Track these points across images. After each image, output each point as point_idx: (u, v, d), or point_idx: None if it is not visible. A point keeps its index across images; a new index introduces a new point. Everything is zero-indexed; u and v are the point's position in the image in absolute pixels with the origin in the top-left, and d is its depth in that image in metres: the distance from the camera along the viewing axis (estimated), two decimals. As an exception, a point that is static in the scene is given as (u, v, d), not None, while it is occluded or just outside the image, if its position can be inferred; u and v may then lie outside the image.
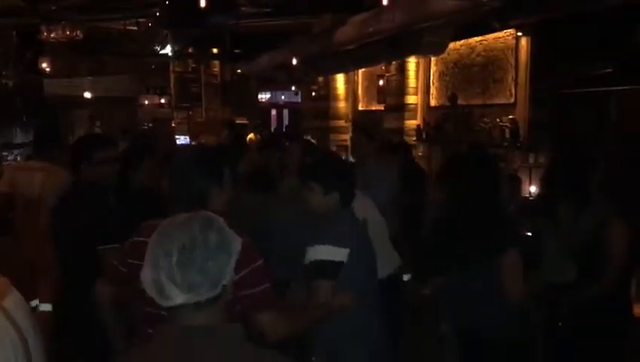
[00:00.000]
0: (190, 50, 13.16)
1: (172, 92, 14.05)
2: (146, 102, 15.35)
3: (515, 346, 2.92)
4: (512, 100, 7.95)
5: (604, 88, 6.69)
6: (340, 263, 2.47)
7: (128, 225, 2.57)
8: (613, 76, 6.49)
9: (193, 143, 11.88)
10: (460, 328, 3.11)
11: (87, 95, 14.58)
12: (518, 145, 7.51)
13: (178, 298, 1.37)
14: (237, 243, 1.46)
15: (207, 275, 1.37)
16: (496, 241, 2.85)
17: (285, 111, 18.19)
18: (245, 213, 3.25)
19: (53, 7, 10.18)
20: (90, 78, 14.66)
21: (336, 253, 2.47)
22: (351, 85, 12.71)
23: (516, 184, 5.62)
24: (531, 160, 7.40)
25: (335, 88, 12.90)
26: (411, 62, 9.81)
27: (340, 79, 12.78)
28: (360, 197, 3.69)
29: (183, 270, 1.36)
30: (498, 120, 7.90)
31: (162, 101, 15.05)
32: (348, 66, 10.91)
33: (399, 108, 9.99)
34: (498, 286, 2.82)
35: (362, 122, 11.11)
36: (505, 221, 3.02)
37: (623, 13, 5.77)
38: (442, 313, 3.48)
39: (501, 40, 8.16)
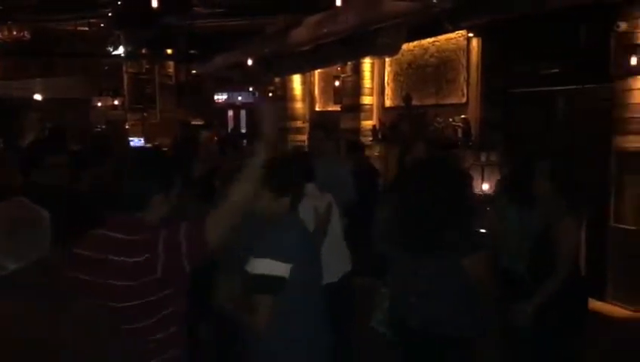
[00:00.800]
0: (144, 51, 12.95)
1: (126, 93, 13.80)
2: (99, 103, 15.06)
3: (466, 343, 2.95)
4: (464, 100, 8.11)
5: (551, 88, 6.90)
6: (282, 279, 2.38)
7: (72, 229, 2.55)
8: (560, 76, 6.69)
9: (148, 145, 11.70)
10: (409, 326, 3.07)
11: (38, 97, 14.21)
12: (470, 144, 7.67)
13: None
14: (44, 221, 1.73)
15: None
16: (459, 243, 2.84)
17: (242, 112, 18.09)
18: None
19: (0, 7, 9.90)
20: (40, 79, 14.29)
21: (278, 268, 2.38)
22: (307, 86, 12.74)
23: (469, 182, 5.74)
24: (483, 158, 7.56)
25: (292, 89, 12.91)
26: (366, 63, 9.89)
27: (296, 80, 12.79)
28: (320, 195, 3.72)
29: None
30: (451, 119, 8.04)
31: (116, 102, 14.78)
32: (303, 67, 10.94)
33: (355, 108, 10.07)
34: (457, 284, 2.84)
35: (321, 120, 11.18)
36: (465, 222, 2.99)
37: (569, 15, 5.95)
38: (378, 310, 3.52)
39: (453, 41, 8.32)
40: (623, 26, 5.79)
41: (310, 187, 3.65)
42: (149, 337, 2.07)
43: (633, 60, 5.68)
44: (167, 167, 2.24)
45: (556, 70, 6.67)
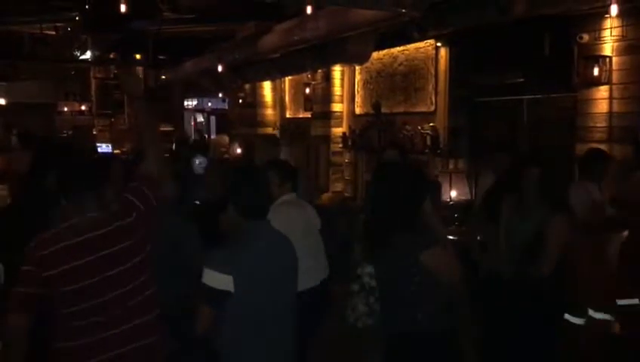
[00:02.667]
0: (112, 56, 12.81)
1: (93, 98, 13.62)
2: (66, 108, 14.80)
3: (440, 339, 2.97)
4: (433, 108, 8.20)
5: (516, 97, 7.02)
6: (223, 292, 2.39)
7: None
8: (524, 85, 6.81)
9: (116, 151, 11.55)
10: (387, 327, 3.08)
11: (2, 101, 13.91)
12: (439, 151, 7.74)
13: None
14: None
15: None
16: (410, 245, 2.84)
17: (212, 118, 17.98)
18: None
19: (-38, 10, 9.68)
20: (4, 83, 13.98)
21: (220, 281, 2.39)
22: (278, 93, 12.73)
23: (437, 189, 5.82)
24: (451, 165, 7.66)
25: (262, 95, 12.89)
26: (337, 70, 9.94)
27: (267, 86, 12.77)
28: (303, 204, 3.77)
29: None
30: (419, 127, 8.11)
31: (83, 108, 14.56)
32: (274, 74, 10.93)
33: (325, 115, 10.11)
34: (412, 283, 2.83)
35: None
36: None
37: (534, 25, 6.07)
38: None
39: (422, 50, 8.41)
40: (585, 37, 5.94)
41: (292, 196, 3.70)
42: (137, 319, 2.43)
43: (595, 71, 5.83)
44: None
45: (521, 79, 6.80)
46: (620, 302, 3.96)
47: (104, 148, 12.20)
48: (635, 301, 3.88)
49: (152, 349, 2.45)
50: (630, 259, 3.86)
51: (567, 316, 3.82)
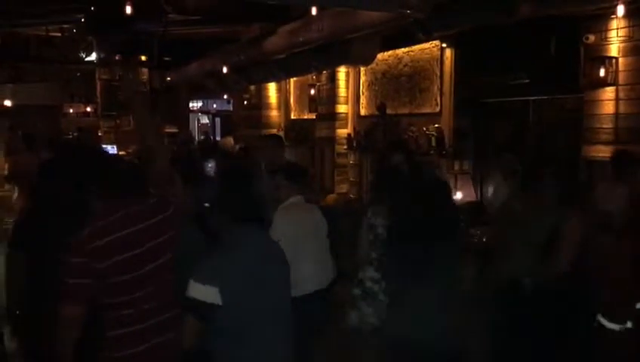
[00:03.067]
0: (117, 57, 12.82)
1: (98, 100, 13.63)
2: (71, 110, 14.84)
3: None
4: (438, 109, 8.17)
5: (522, 98, 6.99)
6: (211, 305, 2.31)
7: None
8: (530, 86, 6.78)
9: (121, 153, 11.55)
10: (403, 338, 3.06)
11: (8, 103, 13.95)
12: (444, 152, 7.72)
13: None
14: None
15: None
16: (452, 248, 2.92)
17: (217, 120, 18.01)
18: None
19: (-31, 12, 9.73)
20: (10, 85, 14.03)
21: (206, 294, 2.32)
22: (283, 94, 12.73)
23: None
24: (456, 167, 7.63)
25: (267, 97, 12.89)
26: (341, 72, 9.93)
27: (271, 88, 12.77)
28: (308, 207, 3.76)
29: None
30: (425, 128, 8.09)
31: (88, 109, 14.58)
32: (279, 75, 10.93)
33: (330, 117, 10.09)
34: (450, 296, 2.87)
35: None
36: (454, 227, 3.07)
37: (540, 26, 6.05)
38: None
39: (427, 51, 8.39)
40: (591, 38, 5.91)
41: (300, 198, 3.69)
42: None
43: (602, 72, 5.79)
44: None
45: (527, 80, 6.77)
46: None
47: (109, 149, 12.20)
48: None
49: (179, 343, 2.51)
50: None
51: (602, 320, 3.73)
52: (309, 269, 3.54)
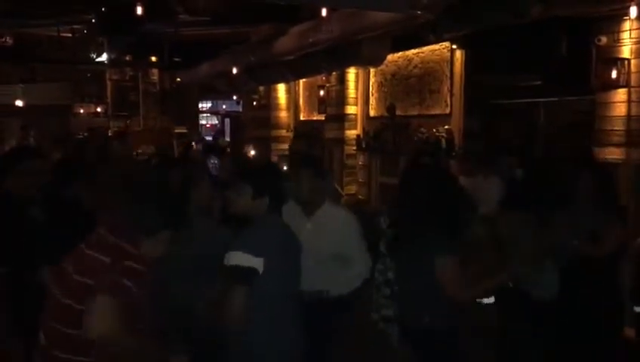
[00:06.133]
0: (128, 58, 12.90)
1: (109, 100, 13.72)
2: (82, 110, 14.91)
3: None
4: (448, 111, 8.15)
5: (533, 100, 6.95)
6: (253, 270, 2.47)
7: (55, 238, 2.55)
8: (541, 88, 6.74)
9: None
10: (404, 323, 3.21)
11: (19, 103, 14.04)
12: (454, 154, 7.69)
13: None
14: None
15: None
16: (434, 246, 2.92)
17: (227, 121, 18.05)
18: None
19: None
20: (21, 85, 14.13)
21: (249, 261, 2.47)
22: (292, 95, 12.74)
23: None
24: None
25: (276, 98, 12.91)
26: (351, 73, 9.92)
27: (281, 89, 12.79)
28: (335, 207, 3.76)
29: None
30: (434, 130, 8.06)
31: (98, 110, 14.66)
32: (288, 76, 10.94)
33: (340, 118, 10.09)
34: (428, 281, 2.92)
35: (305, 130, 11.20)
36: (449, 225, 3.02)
37: (551, 27, 6.01)
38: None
39: (437, 52, 8.37)
40: (603, 39, 5.87)
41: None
42: None
43: (614, 73, 5.75)
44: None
45: (538, 82, 6.73)
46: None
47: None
48: None
49: None
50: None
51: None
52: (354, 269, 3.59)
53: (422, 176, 3.26)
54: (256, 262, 2.48)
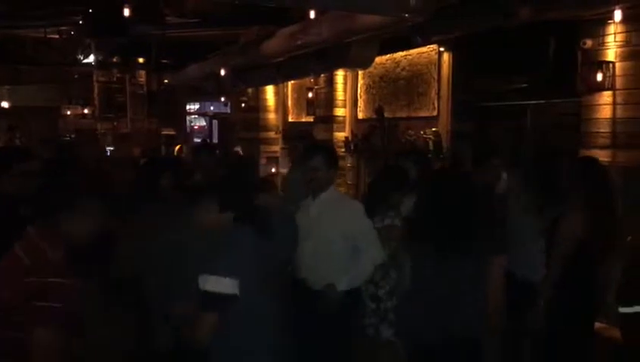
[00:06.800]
0: (115, 60, 12.84)
1: (96, 102, 13.65)
2: (69, 112, 14.82)
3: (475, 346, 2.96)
4: (435, 113, 8.20)
5: (520, 102, 7.02)
6: (231, 296, 2.39)
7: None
8: (528, 90, 6.81)
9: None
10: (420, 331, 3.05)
11: (5, 104, 13.93)
12: (441, 156, 7.74)
13: None
14: None
15: None
16: (486, 244, 2.88)
17: (214, 122, 17.99)
18: None
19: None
20: (8, 87, 14.02)
21: (226, 285, 2.38)
22: (281, 97, 12.75)
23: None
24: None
25: (265, 100, 12.91)
26: (339, 75, 9.95)
27: (269, 91, 12.79)
28: (335, 191, 3.77)
29: None
30: (422, 132, 8.11)
31: (85, 111, 14.58)
32: (277, 78, 10.95)
33: (328, 120, 10.12)
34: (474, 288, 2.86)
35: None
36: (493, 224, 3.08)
37: (538, 30, 6.08)
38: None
39: (425, 55, 8.42)
40: (589, 43, 5.93)
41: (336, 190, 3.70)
42: None
43: (599, 76, 5.82)
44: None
45: (525, 85, 6.80)
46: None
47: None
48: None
49: None
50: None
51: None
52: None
53: (454, 184, 3.15)
54: (233, 286, 2.39)
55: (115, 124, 13.34)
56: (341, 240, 3.47)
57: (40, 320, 2.16)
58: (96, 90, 13.49)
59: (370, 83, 9.64)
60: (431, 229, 2.95)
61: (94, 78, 13.39)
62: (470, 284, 2.85)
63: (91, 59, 12.55)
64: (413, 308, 3.07)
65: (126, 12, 8.26)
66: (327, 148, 3.99)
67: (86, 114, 14.64)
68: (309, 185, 3.65)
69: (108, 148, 12.39)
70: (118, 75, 13.38)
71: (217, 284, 2.38)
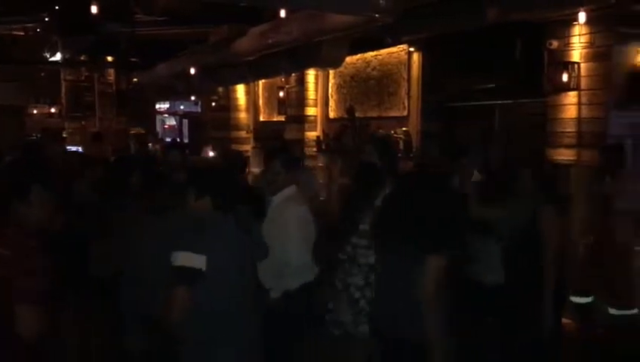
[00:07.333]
0: (83, 58, 12.64)
1: (63, 101, 13.41)
2: (35, 111, 14.55)
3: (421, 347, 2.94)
4: (406, 113, 8.26)
5: (488, 102, 7.11)
6: (197, 270, 2.56)
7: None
8: (496, 91, 6.90)
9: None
10: (378, 328, 3.08)
11: (-31, 103, 13.62)
12: (411, 155, 7.80)
13: None
14: None
15: None
16: (426, 241, 2.81)
17: (185, 122, 17.85)
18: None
19: None
20: (-28, 85, 13.70)
21: (194, 260, 2.57)
22: (252, 96, 12.69)
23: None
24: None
25: (236, 99, 12.84)
26: (310, 74, 9.95)
27: (240, 90, 12.73)
28: (302, 203, 3.74)
29: None
30: (393, 132, 8.16)
31: (53, 110, 14.32)
32: (248, 77, 10.90)
33: (299, 119, 10.11)
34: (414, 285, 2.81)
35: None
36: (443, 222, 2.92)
37: (505, 31, 6.16)
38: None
39: (395, 55, 8.47)
40: (554, 43, 6.04)
41: (294, 190, 3.67)
42: None
43: (564, 77, 5.94)
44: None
45: (493, 85, 6.89)
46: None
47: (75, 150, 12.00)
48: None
49: None
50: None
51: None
52: (298, 262, 3.55)
53: (421, 181, 3.15)
54: (200, 261, 2.56)
55: (83, 123, 13.12)
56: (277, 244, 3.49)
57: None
58: (63, 89, 13.25)
59: (341, 82, 9.66)
60: (381, 228, 3.06)
61: (62, 77, 13.16)
62: (407, 283, 2.80)
63: (58, 57, 12.33)
64: (374, 305, 3.22)
65: (94, 9, 8.13)
66: (286, 151, 4.00)
67: (53, 113, 14.38)
68: (269, 188, 3.72)
69: (78, 148, 12.19)
70: (87, 74, 13.17)
71: (186, 259, 2.56)
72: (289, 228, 3.53)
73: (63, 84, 13.20)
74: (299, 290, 3.57)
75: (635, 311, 4.44)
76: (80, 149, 11.97)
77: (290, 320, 3.52)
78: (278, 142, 10.22)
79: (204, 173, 2.99)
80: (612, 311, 4.38)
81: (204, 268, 2.57)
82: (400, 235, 2.87)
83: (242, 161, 5.63)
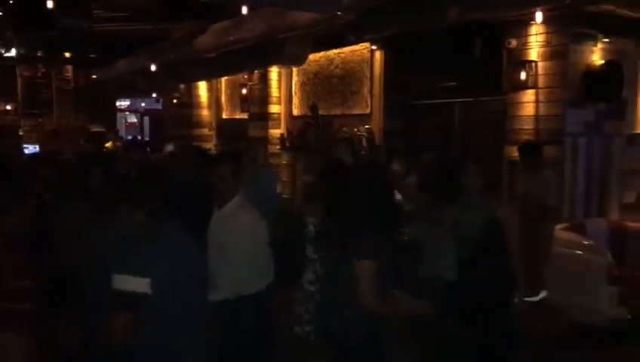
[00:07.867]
0: (39, 54, 12.33)
1: (19, 98, 13.06)
2: (-11, 108, 14.15)
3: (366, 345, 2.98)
4: (369, 111, 8.31)
5: (448, 100, 7.22)
6: (140, 295, 2.34)
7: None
8: (456, 89, 7.01)
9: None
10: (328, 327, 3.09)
11: None
12: (374, 153, 7.85)
13: None
14: None
15: None
16: (357, 248, 2.81)
17: (146, 119, 17.60)
18: None
19: None
20: None
21: (137, 284, 2.35)
22: (214, 93, 12.58)
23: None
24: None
25: (198, 96, 12.70)
26: (274, 72, 9.92)
27: (202, 87, 12.60)
28: (251, 209, 3.63)
29: None
30: (356, 129, 8.21)
31: (8, 108, 13.94)
32: (210, 74, 10.81)
33: (263, 117, 10.07)
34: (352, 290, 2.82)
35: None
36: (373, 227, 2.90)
37: (466, 31, 6.26)
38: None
39: (357, 53, 8.51)
40: (513, 42, 6.17)
41: (242, 197, 3.51)
42: None
43: (522, 75, 6.06)
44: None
45: (453, 83, 6.99)
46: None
47: (32, 149, 11.70)
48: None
49: None
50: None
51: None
52: (249, 270, 3.45)
53: (365, 177, 3.10)
54: (144, 285, 2.34)
55: (39, 120, 12.81)
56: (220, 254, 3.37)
57: None
58: (19, 86, 12.91)
59: (305, 80, 9.66)
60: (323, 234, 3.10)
61: (17, 73, 12.82)
62: (346, 285, 2.81)
63: (13, 52, 12.00)
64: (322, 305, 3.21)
65: (50, 4, 7.93)
66: (236, 157, 3.86)
67: (9, 110, 14.00)
68: (217, 200, 3.50)
69: (34, 145, 11.89)
70: (44, 70, 12.86)
71: (128, 283, 2.34)
72: (240, 239, 3.39)
73: (19, 81, 12.87)
74: (250, 299, 3.42)
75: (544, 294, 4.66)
76: (37, 148, 11.70)
77: (240, 330, 3.40)
78: (240, 142, 10.19)
79: (134, 183, 2.77)
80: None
81: (148, 291, 2.34)
82: (337, 240, 2.91)
83: (203, 155, 5.47)
